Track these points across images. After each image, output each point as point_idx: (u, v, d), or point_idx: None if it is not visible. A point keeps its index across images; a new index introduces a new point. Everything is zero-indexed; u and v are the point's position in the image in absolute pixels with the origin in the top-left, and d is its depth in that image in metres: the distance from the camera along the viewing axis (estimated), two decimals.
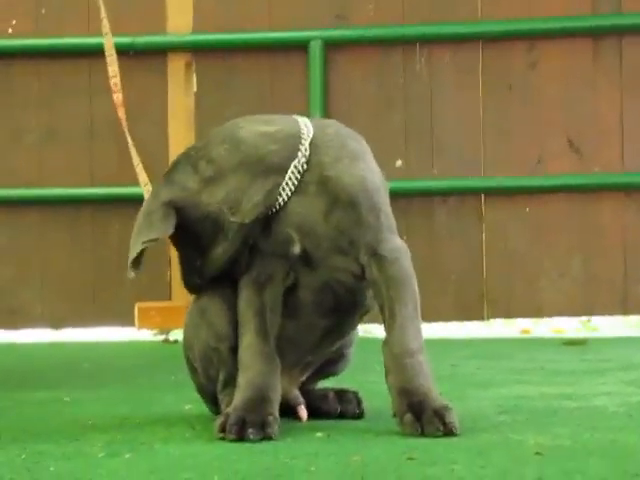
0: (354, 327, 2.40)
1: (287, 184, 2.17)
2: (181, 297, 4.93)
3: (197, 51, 5.01)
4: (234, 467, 1.80)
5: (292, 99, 4.90)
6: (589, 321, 5.42)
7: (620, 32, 4.88)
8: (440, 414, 2.07)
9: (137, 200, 4.81)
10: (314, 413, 2.37)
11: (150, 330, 5.18)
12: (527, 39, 4.91)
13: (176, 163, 2.24)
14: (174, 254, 4.99)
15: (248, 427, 2.06)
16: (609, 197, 4.87)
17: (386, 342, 2.15)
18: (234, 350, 2.26)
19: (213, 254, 2.23)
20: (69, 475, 1.75)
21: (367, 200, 2.18)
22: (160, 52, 5.00)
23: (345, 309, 2.28)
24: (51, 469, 1.81)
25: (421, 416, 2.07)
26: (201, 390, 2.42)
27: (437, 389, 2.13)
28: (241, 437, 2.05)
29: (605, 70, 4.89)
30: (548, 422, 2.26)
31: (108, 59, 2.84)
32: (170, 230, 2.19)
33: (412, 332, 2.15)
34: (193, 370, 2.40)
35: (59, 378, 3.46)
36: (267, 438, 2.06)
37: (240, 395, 2.15)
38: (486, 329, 5.50)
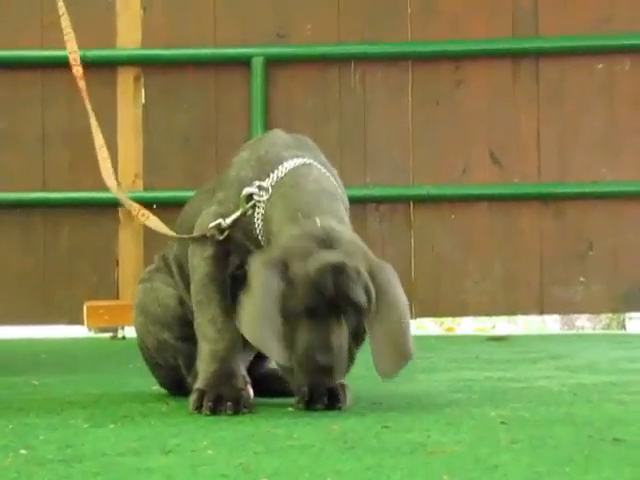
0: None
1: None
2: (128, 296, 4.83)
3: (146, 65, 4.91)
4: (219, 434, 1.74)
5: (235, 111, 4.83)
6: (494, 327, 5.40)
7: (537, 54, 4.90)
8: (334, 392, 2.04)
9: (86, 204, 4.76)
10: (269, 392, 2.29)
11: (98, 328, 5.06)
12: (453, 59, 4.90)
13: None
14: (122, 255, 4.90)
15: (224, 402, 2.00)
16: (527, 205, 4.88)
17: None
18: (179, 338, 2.21)
19: None
20: (59, 442, 1.68)
21: None
22: (110, 66, 4.90)
23: None
24: (40, 437, 1.73)
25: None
26: (164, 378, 2.35)
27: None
28: (215, 412, 1.98)
29: (523, 88, 4.90)
30: (501, 399, 2.23)
31: (66, 37, 2.80)
32: None
33: None
34: (152, 363, 2.33)
35: (22, 367, 3.34)
36: (242, 413, 1.99)
37: (207, 369, 2.05)
38: (415, 327, 5.50)
